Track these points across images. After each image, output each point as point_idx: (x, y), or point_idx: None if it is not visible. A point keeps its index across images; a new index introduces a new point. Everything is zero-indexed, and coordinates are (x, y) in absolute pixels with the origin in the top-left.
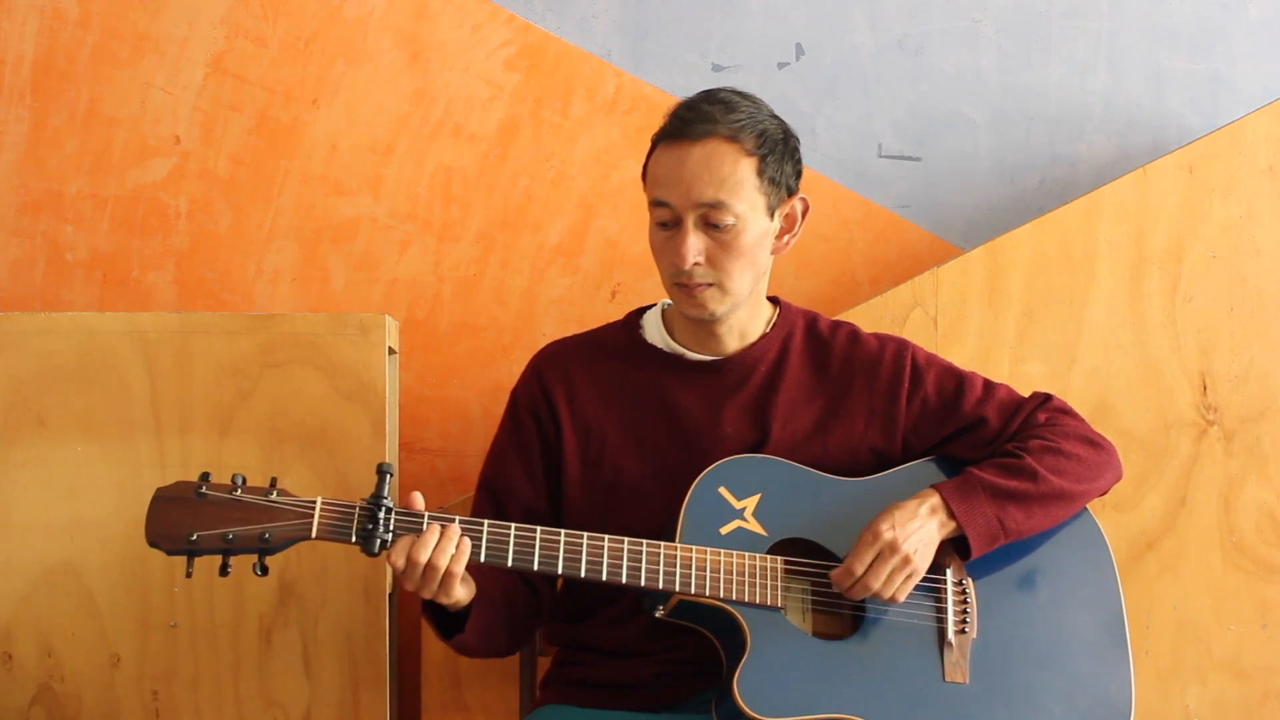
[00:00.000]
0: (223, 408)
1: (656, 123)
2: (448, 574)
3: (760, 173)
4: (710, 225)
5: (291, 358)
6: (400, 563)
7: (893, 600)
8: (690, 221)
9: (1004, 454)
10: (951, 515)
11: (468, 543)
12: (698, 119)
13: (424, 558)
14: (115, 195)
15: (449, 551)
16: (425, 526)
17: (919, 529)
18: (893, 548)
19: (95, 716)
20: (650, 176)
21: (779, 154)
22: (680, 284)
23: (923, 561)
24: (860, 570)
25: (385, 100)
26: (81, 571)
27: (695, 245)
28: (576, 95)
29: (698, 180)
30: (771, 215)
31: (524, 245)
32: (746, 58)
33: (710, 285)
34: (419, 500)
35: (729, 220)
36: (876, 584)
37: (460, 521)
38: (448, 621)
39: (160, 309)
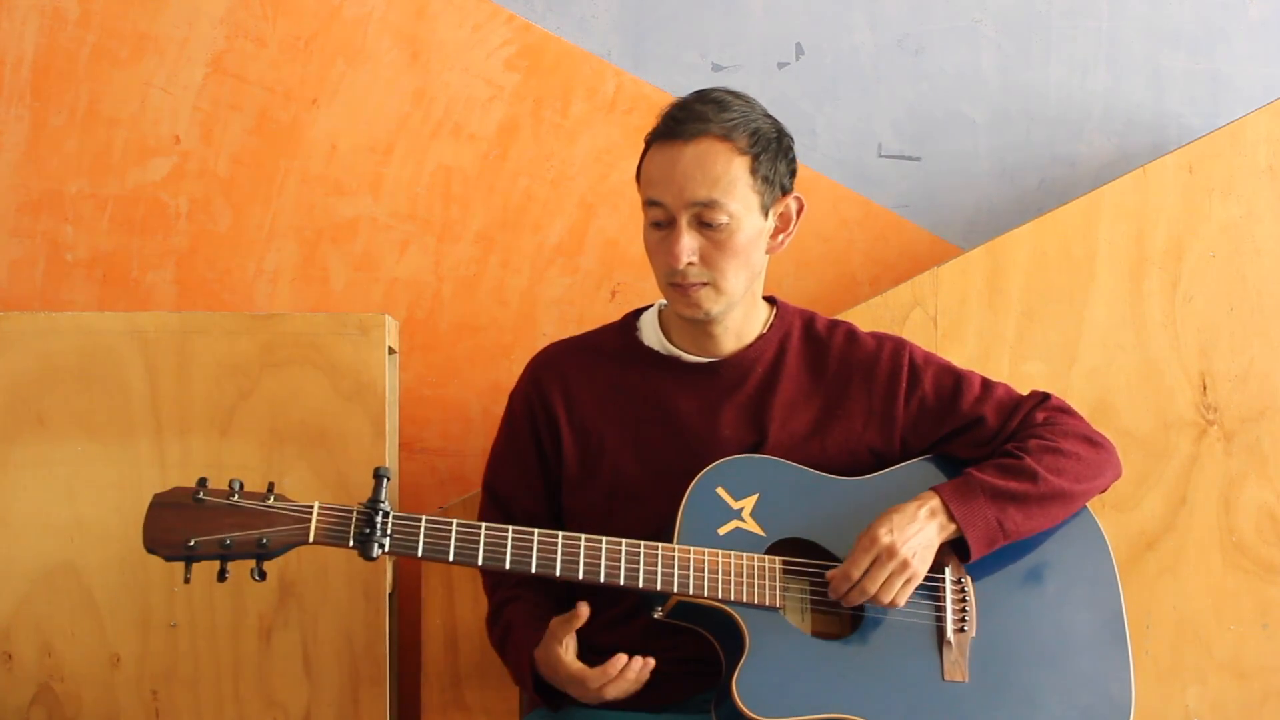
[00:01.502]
0: (223, 408)
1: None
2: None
3: (753, 171)
4: (704, 224)
5: (291, 358)
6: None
7: (892, 605)
8: (684, 221)
9: (1003, 454)
10: (951, 517)
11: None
12: (690, 118)
13: (614, 695)
14: (115, 195)
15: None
16: (422, 530)
17: (918, 532)
18: (890, 552)
19: (95, 716)
20: (644, 176)
21: (772, 152)
22: (674, 284)
23: (921, 565)
24: (857, 575)
25: (385, 100)
26: (81, 571)
27: (689, 245)
28: (576, 95)
29: (690, 179)
30: (765, 214)
31: (524, 245)
32: (746, 58)
33: (704, 285)
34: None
35: (722, 219)
36: (874, 588)
37: (457, 524)
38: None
39: (160, 309)
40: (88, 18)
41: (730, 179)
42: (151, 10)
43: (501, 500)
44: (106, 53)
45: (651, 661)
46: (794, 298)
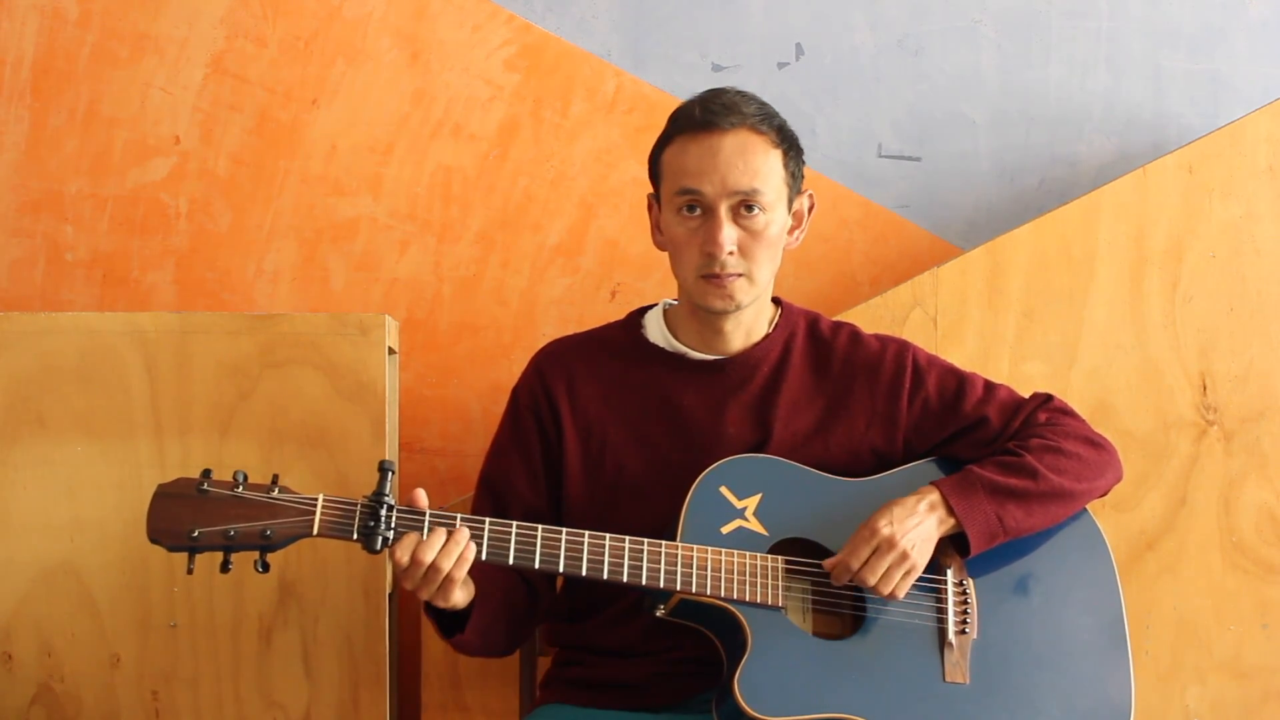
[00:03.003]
0: (223, 408)
1: (656, 123)
2: (448, 579)
3: (785, 165)
4: (741, 215)
5: (291, 358)
6: (404, 559)
7: (892, 597)
8: (723, 210)
9: (1004, 452)
10: (951, 512)
11: (473, 548)
12: (724, 110)
13: (428, 559)
14: (115, 195)
15: (453, 555)
16: (427, 525)
17: (917, 525)
18: (890, 543)
19: (95, 716)
20: (673, 168)
21: (795, 149)
22: (710, 274)
23: (921, 557)
24: (856, 565)
25: (385, 100)
26: (81, 571)
27: (731, 234)
28: (576, 95)
29: (733, 168)
30: (789, 209)
31: (524, 245)
32: (746, 58)
33: (740, 276)
34: (422, 498)
35: (760, 210)
36: (873, 579)
37: (461, 519)
38: (448, 620)
39: (160, 309)
40: (88, 18)
41: (769, 170)
42: (151, 10)
43: (499, 495)
44: (106, 53)
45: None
46: (794, 298)
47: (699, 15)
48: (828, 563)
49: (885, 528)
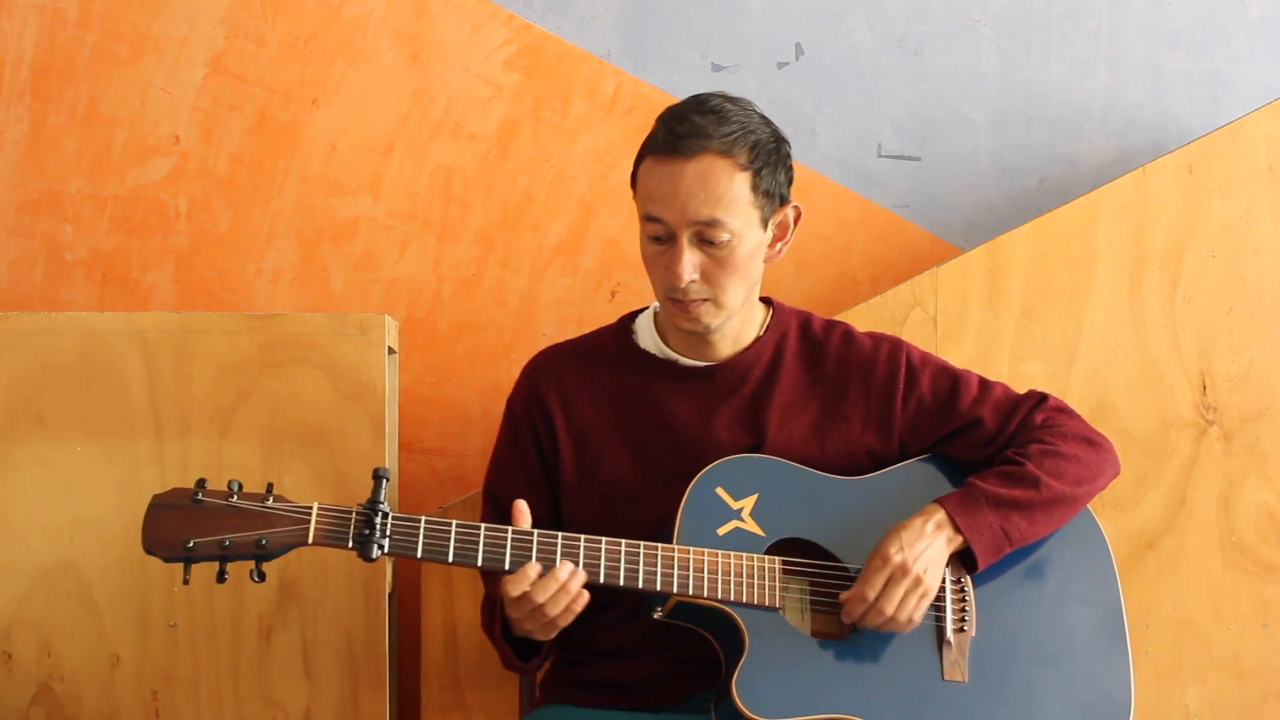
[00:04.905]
0: (222, 408)
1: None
2: (553, 622)
3: (755, 187)
4: (705, 241)
5: (291, 358)
6: (515, 593)
7: (909, 624)
8: (685, 239)
9: (1004, 461)
10: (957, 529)
11: (583, 599)
12: (690, 133)
13: (542, 599)
14: (115, 195)
15: (562, 604)
16: (421, 531)
17: (927, 548)
18: (903, 570)
19: (95, 716)
20: (642, 190)
21: (772, 165)
22: (675, 299)
23: (933, 581)
24: (873, 596)
25: (385, 100)
26: (81, 571)
27: (691, 262)
28: (576, 95)
29: (693, 198)
30: (765, 226)
31: (524, 245)
32: (746, 58)
33: (705, 300)
34: (524, 514)
35: (724, 237)
36: (890, 608)
37: (456, 525)
38: (522, 646)
39: (160, 309)
40: (88, 18)
41: (733, 196)
42: (151, 10)
43: (502, 506)
44: (106, 53)
45: (582, 575)
46: (794, 298)
47: (699, 15)
48: (843, 596)
49: (897, 554)
